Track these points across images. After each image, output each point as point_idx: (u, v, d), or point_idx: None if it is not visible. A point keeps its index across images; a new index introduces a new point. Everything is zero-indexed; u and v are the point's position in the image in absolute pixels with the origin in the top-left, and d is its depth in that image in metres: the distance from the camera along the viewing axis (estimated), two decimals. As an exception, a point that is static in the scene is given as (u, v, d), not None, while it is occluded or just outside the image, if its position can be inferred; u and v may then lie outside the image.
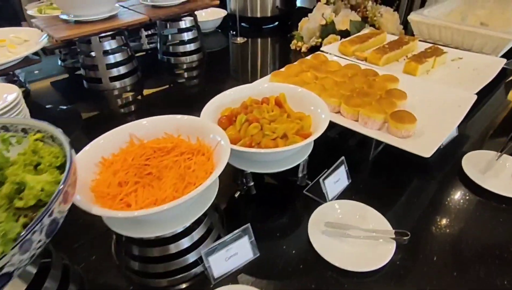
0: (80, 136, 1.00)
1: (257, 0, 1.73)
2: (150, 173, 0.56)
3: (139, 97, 1.20)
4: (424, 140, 0.68)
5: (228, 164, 0.53)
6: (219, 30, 1.74)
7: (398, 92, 0.79)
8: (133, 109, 1.14)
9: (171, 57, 1.38)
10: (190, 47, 1.39)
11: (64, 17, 1.09)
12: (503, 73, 1.25)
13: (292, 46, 1.45)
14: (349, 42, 1.08)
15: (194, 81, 1.32)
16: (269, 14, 1.78)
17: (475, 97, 0.81)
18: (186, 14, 1.30)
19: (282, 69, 0.91)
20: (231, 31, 1.71)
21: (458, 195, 0.73)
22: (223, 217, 0.69)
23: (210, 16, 1.72)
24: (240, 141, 0.63)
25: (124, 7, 1.26)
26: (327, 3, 1.47)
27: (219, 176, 0.52)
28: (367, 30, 1.30)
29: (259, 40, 1.71)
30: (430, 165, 0.80)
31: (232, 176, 0.76)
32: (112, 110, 1.12)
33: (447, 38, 1.13)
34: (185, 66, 1.39)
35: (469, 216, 0.68)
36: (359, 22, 1.31)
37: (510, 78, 1.24)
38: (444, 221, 0.67)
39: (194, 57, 1.41)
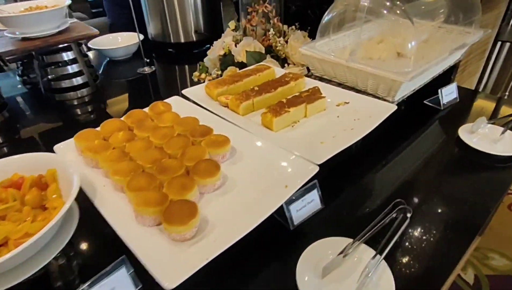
0: None
1: (178, 25, 1.55)
2: None
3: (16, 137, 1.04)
4: (195, 250, 0.47)
5: None
6: (146, 60, 1.54)
7: (208, 166, 0.58)
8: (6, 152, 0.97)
9: (54, 93, 1.21)
10: (77, 81, 1.22)
11: None
12: (430, 111, 1.03)
13: (194, 78, 1.25)
14: (215, 83, 0.87)
15: (81, 120, 1.13)
16: (194, 39, 1.60)
17: (316, 169, 0.59)
18: (62, 45, 1.12)
19: (98, 128, 0.71)
20: (146, 59, 1.53)
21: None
22: None
23: (126, 42, 1.54)
24: None
25: (-14, 40, 1.09)
26: (235, 29, 1.27)
27: None
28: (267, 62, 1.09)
29: (176, 67, 1.52)
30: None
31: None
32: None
33: (341, 76, 0.91)
34: (75, 102, 1.22)
35: None
36: (258, 52, 1.11)
37: (440, 115, 1.02)
38: None
39: (84, 91, 1.23)
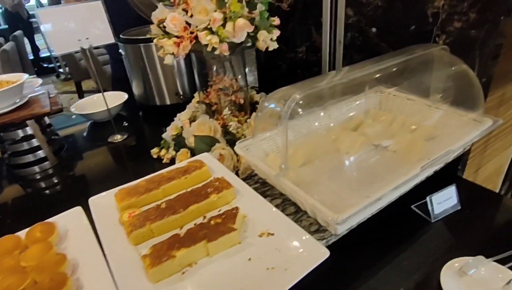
0: None
1: (161, 87, 1.46)
2: None
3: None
4: None
5: None
6: (125, 123, 1.45)
7: None
8: None
9: (14, 169, 1.16)
10: (38, 155, 1.15)
11: None
12: (418, 221, 0.77)
13: (154, 155, 1.12)
14: (125, 192, 0.72)
15: (40, 196, 1.06)
16: (181, 101, 1.49)
17: None
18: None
19: None
20: (124, 123, 1.44)
21: None
22: None
23: (112, 102, 1.46)
24: None
25: None
26: (199, 101, 1.12)
27: None
28: (220, 151, 0.92)
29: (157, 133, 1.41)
30: None
31: None
32: None
33: (281, 188, 0.70)
34: (38, 177, 1.15)
35: None
36: (208, 137, 0.94)
37: (427, 232, 0.76)
38: None
39: (47, 164, 1.17)
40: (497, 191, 1.29)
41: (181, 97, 1.45)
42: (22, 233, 0.65)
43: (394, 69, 0.79)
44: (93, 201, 0.72)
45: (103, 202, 0.73)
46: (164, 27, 0.84)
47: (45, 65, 5.04)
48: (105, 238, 0.62)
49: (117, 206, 0.72)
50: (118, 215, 0.70)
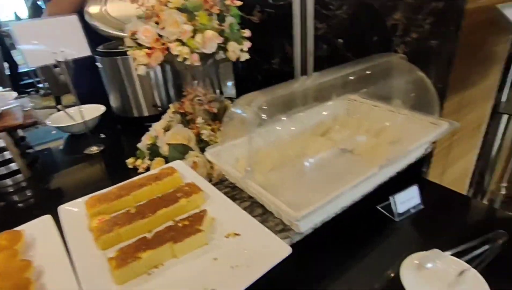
0: None
1: (139, 98, 1.48)
2: None
3: None
4: None
5: None
6: (102, 135, 1.45)
7: None
8: None
9: (-14, 182, 1.15)
10: (11, 167, 1.14)
11: None
12: (383, 220, 0.80)
13: (130, 165, 1.13)
14: (96, 199, 0.73)
15: (11, 208, 1.04)
16: (159, 112, 1.50)
17: None
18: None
19: None
20: (102, 135, 1.45)
21: None
22: None
23: (89, 115, 1.47)
24: None
25: None
26: (174, 111, 1.14)
27: None
28: (193, 158, 0.94)
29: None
30: None
31: None
32: None
33: (249, 191, 0.73)
34: (10, 190, 1.14)
35: None
36: (181, 145, 0.96)
37: (392, 230, 0.78)
38: None
39: (19, 177, 1.16)
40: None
41: (159, 108, 1.47)
42: (-13, 242, 0.65)
43: (358, 76, 0.83)
44: (62, 208, 0.73)
45: (73, 210, 0.73)
46: (137, 39, 0.87)
47: (23, 81, 4.98)
48: (72, 244, 0.63)
49: (87, 214, 0.73)
50: (88, 222, 0.71)
